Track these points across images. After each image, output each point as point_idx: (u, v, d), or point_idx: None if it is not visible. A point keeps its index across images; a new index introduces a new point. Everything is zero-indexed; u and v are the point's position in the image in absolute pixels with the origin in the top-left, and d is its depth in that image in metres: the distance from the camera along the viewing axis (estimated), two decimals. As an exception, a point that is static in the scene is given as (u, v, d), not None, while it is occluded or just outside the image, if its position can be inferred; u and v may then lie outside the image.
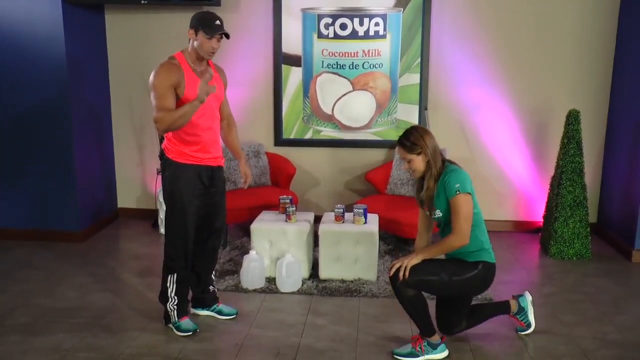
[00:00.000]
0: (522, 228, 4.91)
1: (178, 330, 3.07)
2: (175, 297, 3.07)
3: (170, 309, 3.08)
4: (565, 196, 4.19)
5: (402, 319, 3.25)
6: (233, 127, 3.28)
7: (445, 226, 2.81)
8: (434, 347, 2.83)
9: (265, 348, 2.93)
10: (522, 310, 2.98)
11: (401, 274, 2.65)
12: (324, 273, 3.80)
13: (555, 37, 4.62)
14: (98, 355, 2.85)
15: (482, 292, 2.90)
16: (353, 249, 3.75)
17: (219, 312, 3.28)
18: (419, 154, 2.73)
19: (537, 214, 4.79)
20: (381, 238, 4.41)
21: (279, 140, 4.98)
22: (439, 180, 2.73)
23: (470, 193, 2.69)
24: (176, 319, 3.09)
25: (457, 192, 2.65)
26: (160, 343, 2.98)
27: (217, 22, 2.86)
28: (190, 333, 3.05)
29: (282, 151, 4.94)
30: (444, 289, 2.77)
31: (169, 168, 2.96)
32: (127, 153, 5.17)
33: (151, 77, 2.84)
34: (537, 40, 4.63)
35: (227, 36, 2.88)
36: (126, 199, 5.26)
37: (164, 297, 3.10)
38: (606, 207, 4.72)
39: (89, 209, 4.73)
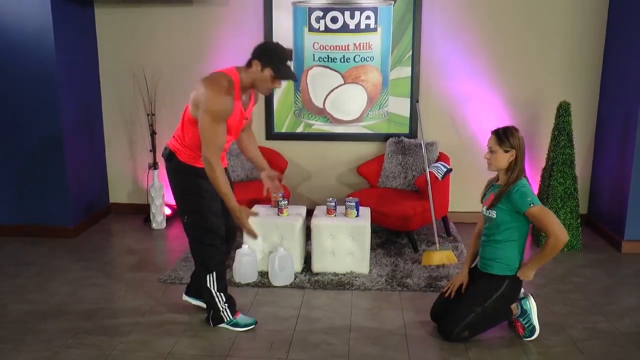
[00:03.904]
0: (514, 220, 4.93)
1: (237, 327, 3.03)
2: (222, 295, 3.02)
3: (222, 308, 3.02)
4: (556, 188, 4.21)
5: (395, 311, 3.27)
6: (252, 138, 3.16)
7: (490, 227, 2.93)
8: (524, 313, 2.94)
9: (258, 341, 2.94)
10: (524, 313, 2.95)
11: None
12: (316, 266, 3.81)
13: (545, 30, 4.63)
14: (91, 351, 2.85)
15: (514, 302, 2.97)
16: (345, 242, 3.76)
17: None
18: (506, 151, 2.84)
19: (528, 206, 4.81)
20: (373, 231, 4.42)
21: (271, 134, 4.98)
22: (510, 187, 2.82)
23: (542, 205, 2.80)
24: (231, 317, 3.04)
25: (531, 204, 2.75)
26: (153, 338, 2.98)
27: (289, 62, 2.75)
28: (253, 326, 3.04)
29: (274, 145, 4.94)
30: (486, 317, 2.89)
31: (183, 170, 2.86)
32: (119, 148, 5.15)
33: (208, 97, 2.62)
34: (527, 32, 4.64)
35: (295, 79, 2.81)
36: (118, 194, 5.24)
37: (211, 302, 3.02)
38: (596, 199, 4.75)
39: (80, 204, 4.71)
